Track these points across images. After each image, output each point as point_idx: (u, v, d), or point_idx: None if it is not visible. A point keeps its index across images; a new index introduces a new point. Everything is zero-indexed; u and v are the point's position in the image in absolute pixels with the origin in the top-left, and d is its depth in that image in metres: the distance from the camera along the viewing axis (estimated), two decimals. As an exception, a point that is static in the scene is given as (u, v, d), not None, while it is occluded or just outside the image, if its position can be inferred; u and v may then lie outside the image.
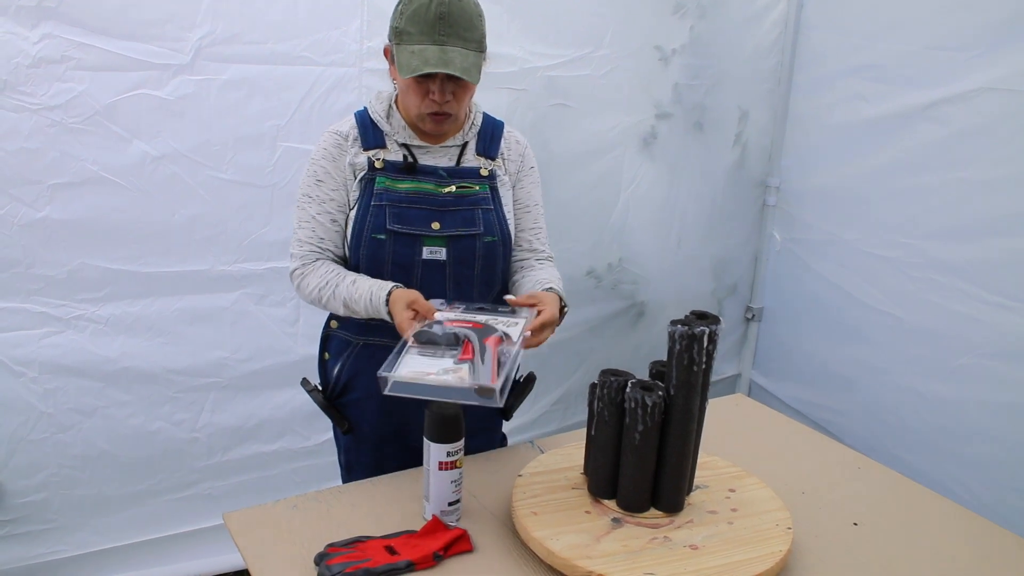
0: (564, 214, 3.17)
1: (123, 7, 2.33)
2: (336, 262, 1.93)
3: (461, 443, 1.64)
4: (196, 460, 2.77)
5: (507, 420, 2.18)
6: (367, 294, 1.78)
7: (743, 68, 3.47)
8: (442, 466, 1.63)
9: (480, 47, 1.80)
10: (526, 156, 2.05)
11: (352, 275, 1.85)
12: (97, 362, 2.55)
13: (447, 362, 1.60)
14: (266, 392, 2.82)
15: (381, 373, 1.55)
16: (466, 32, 1.75)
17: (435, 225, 1.86)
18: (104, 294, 2.51)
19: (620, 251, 3.37)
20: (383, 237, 1.84)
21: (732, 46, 3.40)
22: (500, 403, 1.54)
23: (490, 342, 1.65)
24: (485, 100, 2.76)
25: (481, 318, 1.75)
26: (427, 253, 1.87)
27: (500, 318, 1.76)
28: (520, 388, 2.09)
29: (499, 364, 1.60)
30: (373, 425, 2.00)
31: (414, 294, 1.73)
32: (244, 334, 2.74)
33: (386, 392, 1.56)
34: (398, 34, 1.76)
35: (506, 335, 1.68)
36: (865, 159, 3.22)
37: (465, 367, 1.58)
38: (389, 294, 1.75)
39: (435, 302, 1.76)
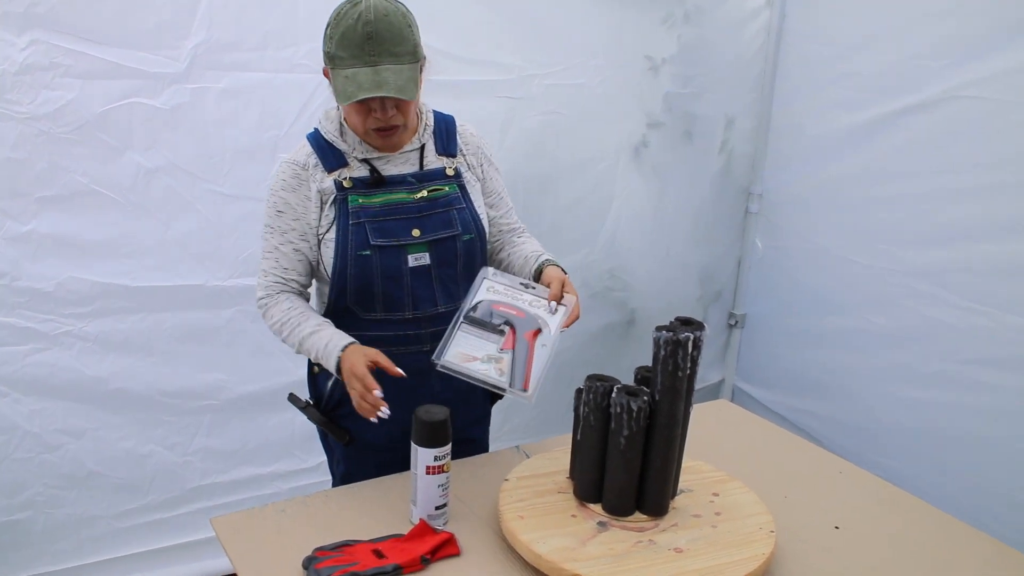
0: (559, 223, 3.19)
1: (115, 13, 2.29)
2: (301, 293, 1.94)
3: (448, 447, 1.65)
4: (189, 482, 2.73)
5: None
6: (322, 345, 1.81)
7: (729, 76, 3.50)
8: (430, 470, 1.65)
9: (414, 57, 1.77)
10: (483, 146, 2.06)
11: (314, 321, 1.86)
12: (86, 383, 2.50)
13: (492, 348, 1.75)
14: (264, 414, 2.78)
15: (433, 359, 1.74)
16: (396, 47, 1.73)
17: (416, 232, 1.88)
18: (93, 309, 2.46)
19: (611, 260, 3.39)
20: (368, 253, 1.85)
21: (718, 54, 3.44)
22: (531, 402, 1.74)
23: (529, 336, 1.76)
24: (482, 108, 2.76)
25: (525, 298, 1.84)
26: (412, 261, 1.88)
27: (539, 301, 1.84)
28: None
29: (535, 361, 1.75)
30: (376, 433, 1.96)
31: (373, 352, 1.77)
32: (240, 354, 2.69)
33: (438, 368, 1.74)
34: (331, 59, 1.76)
35: (543, 325, 1.79)
36: (845, 166, 3.26)
37: (506, 357, 1.74)
38: (344, 348, 1.79)
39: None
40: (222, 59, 2.45)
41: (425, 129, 1.96)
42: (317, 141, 1.91)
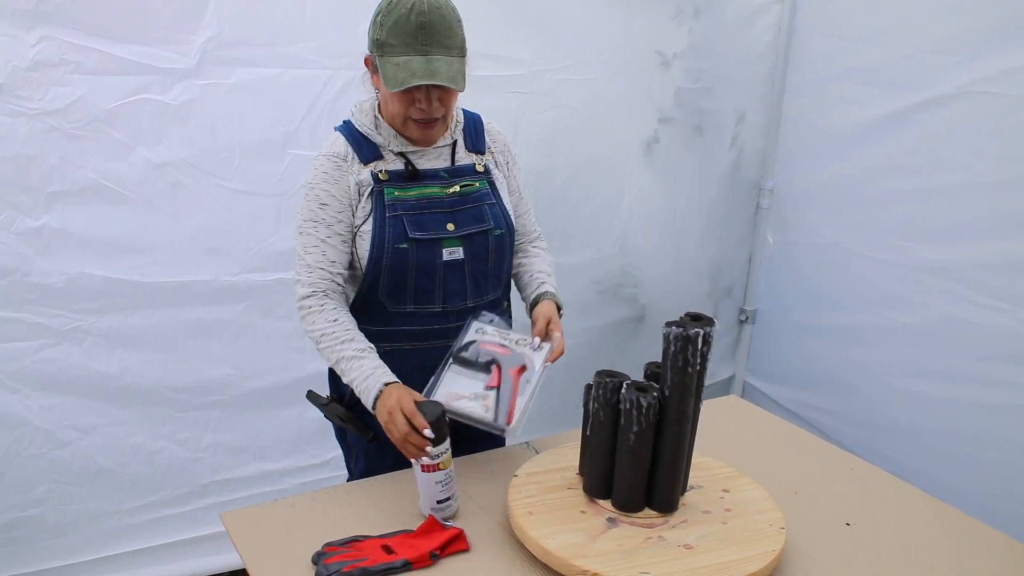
0: (570, 219, 3.19)
1: (125, 9, 2.29)
2: (343, 295, 1.93)
3: (445, 445, 1.66)
4: (199, 477, 2.74)
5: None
6: (365, 374, 1.79)
7: (739, 71, 3.48)
8: (425, 468, 1.66)
9: (462, 52, 1.79)
10: (508, 145, 2.09)
11: (358, 345, 1.83)
12: (96, 380, 2.51)
13: (478, 385, 1.78)
14: (273, 410, 2.78)
15: (423, 396, 1.74)
16: (447, 39, 1.75)
17: (450, 226, 1.89)
18: (102, 304, 2.46)
19: (622, 256, 3.39)
20: (405, 246, 1.86)
21: (729, 49, 3.42)
22: (515, 435, 1.78)
23: (514, 373, 1.78)
24: (493, 104, 2.78)
25: (512, 337, 1.88)
26: (447, 255, 1.89)
27: (524, 340, 1.88)
28: None
29: (519, 396, 1.77)
30: None
31: (407, 399, 1.72)
32: (249, 349, 2.69)
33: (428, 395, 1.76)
34: (380, 46, 1.76)
35: (529, 361, 1.82)
36: (857, 161, 3.24)
37: (492, 395, 1.76)
38: (388, 384, 1.77)
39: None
40: (232, 55, 2.44)
41: (457, 126, 1.98)
42: (351, 133, 1.91)
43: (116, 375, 2.53)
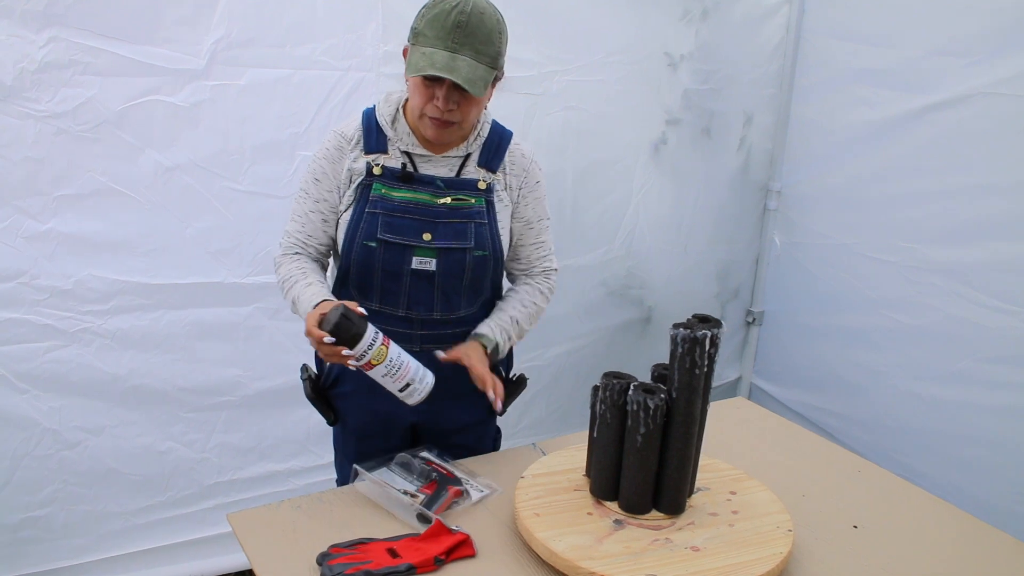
0: (578, 220, 3.19)
1: (135, 10, 2.27)
2: (317, 261, 1.96)
3: (361, 345, 1.66)
4: (206, 478, 2.74)
5: (500, 415, 2.13)
6: (307, 303, 1.79)
7: (747, 72, 3.48)
8: (365, 368, 1.70)
9: (493, 63, 1.77)
10: (530, 171, 2.01)
11: (309, 279, 1.85)
12: (105, 381, 2.50)
13: (411, 487, 1.81)
14: (281, 411, 2.78)
15: (359, 466, 1.83)
16: (481, 45, 1.72)
17: (426, 236, 1.86)
18: (111, 306, 2.46)
19: (630, 258, 3.39)
20: (374, 245, 1.85)
21: (737, 51, 3.42)
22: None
23: (451, 491, 1.80)
24: (503, 105, 2.77)
25: (460, 474, 1.89)
26: (416, 263, 1.87)
27: (467, 480, 1.89)
28: (513, 387, 2.08)
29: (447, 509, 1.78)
30: (359, 419, 2.03)
31: (312, 317, 1.71)
32: (258, 350, 2.69)
33: (353, 481, 1.84)
34: (416, 35, 1.75)
35: (467, 492, 1.82)
36: (866, 163, 3.23)
37: (422, 496, 1.77)
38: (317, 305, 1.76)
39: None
40: (242, 56, 2.43)
41: (476, 139, 1.94)
42: (368, 120, 1.91)
43: (125, 376, 2.53)
